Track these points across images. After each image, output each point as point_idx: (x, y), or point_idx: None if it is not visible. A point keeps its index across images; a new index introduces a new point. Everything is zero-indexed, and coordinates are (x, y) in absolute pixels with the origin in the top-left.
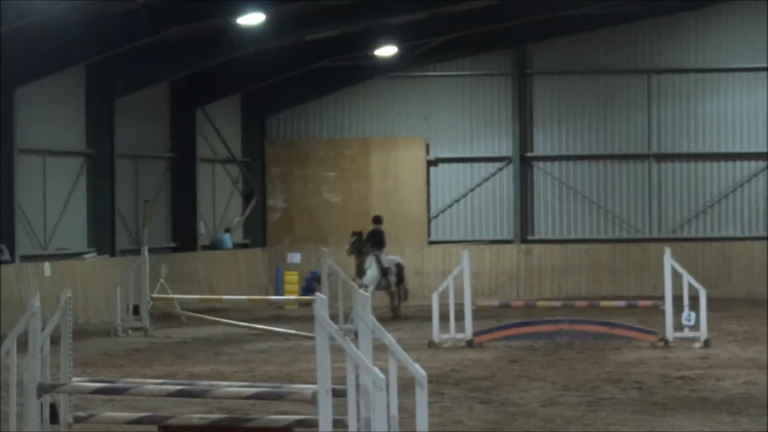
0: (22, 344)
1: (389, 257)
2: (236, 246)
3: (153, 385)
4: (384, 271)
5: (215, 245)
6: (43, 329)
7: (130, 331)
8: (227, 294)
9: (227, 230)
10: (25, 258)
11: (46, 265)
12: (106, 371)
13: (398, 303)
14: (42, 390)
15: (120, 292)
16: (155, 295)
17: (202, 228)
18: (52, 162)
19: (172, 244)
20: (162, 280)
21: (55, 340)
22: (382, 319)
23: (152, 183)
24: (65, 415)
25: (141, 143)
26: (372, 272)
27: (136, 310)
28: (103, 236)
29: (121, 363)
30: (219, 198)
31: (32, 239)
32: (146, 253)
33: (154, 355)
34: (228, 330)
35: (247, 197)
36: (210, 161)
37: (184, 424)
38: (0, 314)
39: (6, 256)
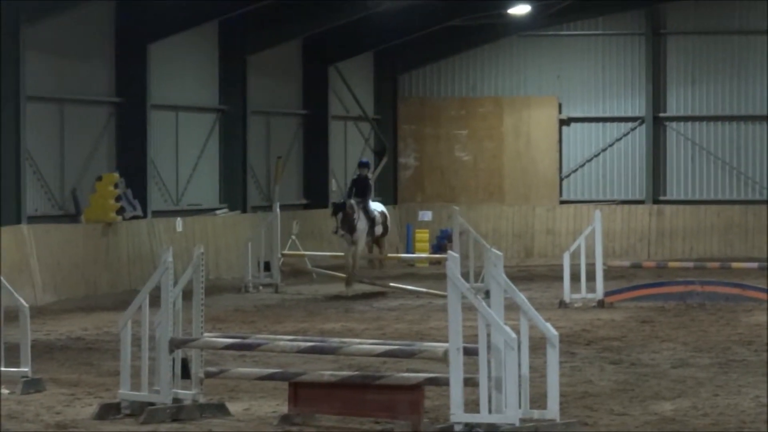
0: (155, 299)
1: (374, 205)
2: None
3: (284, 341)
4: (371, 222)
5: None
6: (175, 284)
7: (260, 288)
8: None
9: None
10: (157, 213)
11: (178, 220)
12: (237, 327)
13: (381, 255)
14: (174, 345)
15: (251, 248)
16: (286, 251)
17: (333, 185)
18: (185, 118)
19: (304, 201)
20: (293, 237)
21: (186, 296)
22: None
23: (284, 140)
24: (196, 370)
25: (273, 100)
26: (362, 225)
27: (267, 267)
28: (234, 192)
29: (251, 319)
30: (350, 155)
31: (164, 195)
32: (278, 209)
33: (285, 312)
34: (358, 287)
35: (378, 155)
36: (342, 118)
37: (314, 380)
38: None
39: (138, 212)
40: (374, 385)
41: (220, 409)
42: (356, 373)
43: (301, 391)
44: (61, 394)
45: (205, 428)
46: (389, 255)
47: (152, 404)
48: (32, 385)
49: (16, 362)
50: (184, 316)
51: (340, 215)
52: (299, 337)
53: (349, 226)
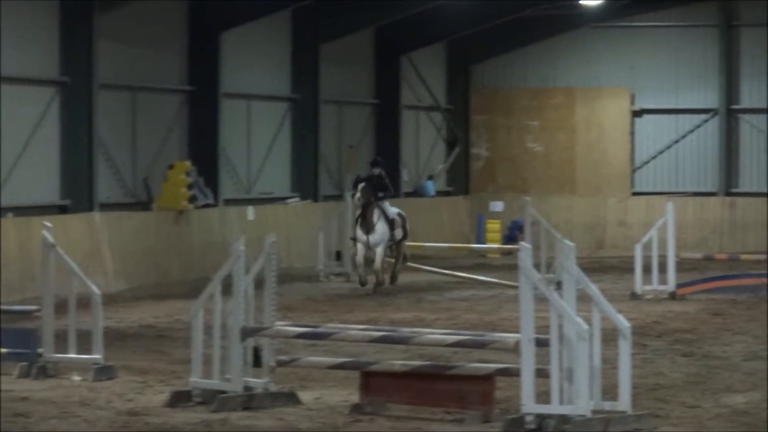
0: (226, 288)
1: (392, 208)
2: (439, 193)
3: (355, 330)
4: (391, 224)
5: (418, 192)
6: (246, 273)
7: (332, 277)
8: (429, 242)
9: (430, 177)
10: (229, 202)
11: (250, 209)
12: (308, 316)
13: (400, 264)
14: (245, 333)
15: (322, 237)
16: None
17: (405, 175)
18: (257, 106)
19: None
20: None
21: (258, 284)
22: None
23: (356, 129)
24: (268, 358)
25: (345, 89)
26: (381, 227)
27: (339, 256)
28: (306, 181)
29: (323, 308)
30: (422, 145)
31: (236, 183)
32: (349, 198)
33: (356, 301)
34: (430, 277)
35: (450, 145)
36: (414, 108)
37: (386, 370)
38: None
39: (210, 200)
40: (445, 375)
41: (291, 398)
42: (427, 363)
43: (372, 381)
44: (133, 382)
45: (276, 417)
46: (458, 245)
47: (223, 392)
48: (104, 372)
49: (88, 349)
50: (255, 304)
51: (362, 185)
52: (370, 327)
53: (367, 226)
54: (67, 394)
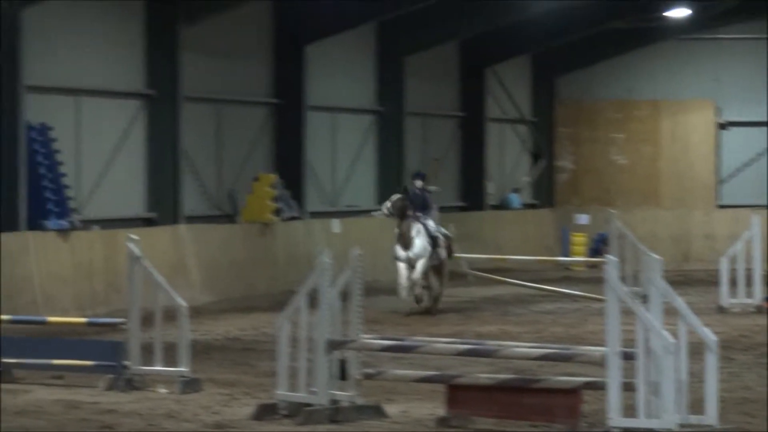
0: (312, 301)
1: (437, 227)
2: (524, 206)
3: (441, 344)
4: (433, 241)
5: (503, 205)
6: (332, 286)
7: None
8: (514, 254)
9: (515, 190)
10: (314, 214)
11: (335, 221)
12: (393, 329)
13: (440, 289)
14: (331, 346)
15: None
16: None
17: (490, 188)
18: (342, 119)
19: (460, 204)
20: None
21: (343, 297)
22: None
23: (441, 142)
24: (354, 371)
25: (430, 102)
26: (421, 242)
27: None
28: (391, 194)
29: (408, 321)
30: (507, 158)
31: (321, 196)
32: (435, 211)
33: (441, 314)
34: (515, 290)
35: (535, 157)
36: (499, 121)
37: (471, 383)
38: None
39: (295, 212)
40: (531, 388)
41: (377, 411)
42: (513, 376)
43: (458, 394)
44: (219, 394)
45: (361, 430)
46: (544, 258)
47: (309, 405)
48: (190, 384)
49: (174, 362)
50: (341, 317)
51: (395, 197)
52: (456, 340)
53: (404, 241)
54: (153, 407)
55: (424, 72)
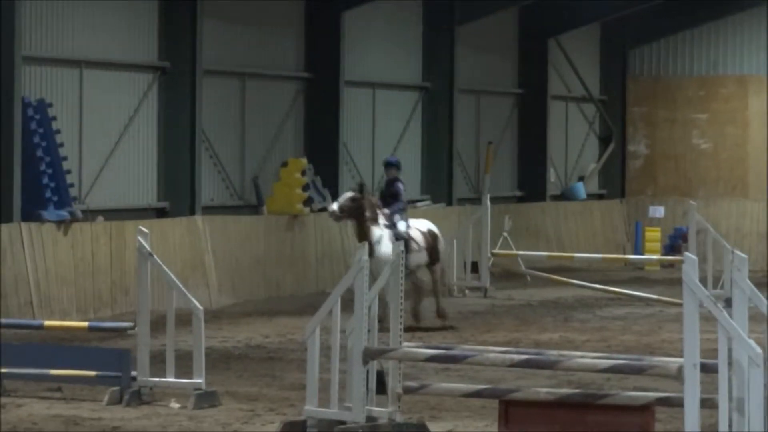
0: (347, 303)
1: (412, 221)
2: (590, 197)
3: (494, 353)
4: (404, 244)
5: (566, 195)
6: (370, 287)
7: (467, 291)
8: (579, 251)
9: (581, 178)
10: None
11: None
12: (440, 336)
13: (437, 298)
14: (368, 356)
15: (457, 246)
16: (497, 250)
17: (552, 175)
18: (383, 96)
19: (518, 193)
20: (505, 234)
21: (382, 300)
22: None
23: (496, 122)
24: (393, 384)
25: (484, 77)
26: (383, 248)
27: (475, 268)
28: (438, 182)
29: (457, 327)
30: (572, 141)
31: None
32: (488, 202)
33: (495, 319)
34: (579, 293)
35: (604, 141)
36: (563, 99)
37: (529, 398)
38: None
39: (328, 202)
40: (598, 404)
41: (420, 430)
42: (577, 390)
43: (513, 411)
44: (239, 410)
45: None
46: (612, 256)
47: (342, 423)
48: (206, 398)
49: (188, 372)
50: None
51: (349, 195)
52: (511, 349)
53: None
54: (164, 423)
55: (478, 43)
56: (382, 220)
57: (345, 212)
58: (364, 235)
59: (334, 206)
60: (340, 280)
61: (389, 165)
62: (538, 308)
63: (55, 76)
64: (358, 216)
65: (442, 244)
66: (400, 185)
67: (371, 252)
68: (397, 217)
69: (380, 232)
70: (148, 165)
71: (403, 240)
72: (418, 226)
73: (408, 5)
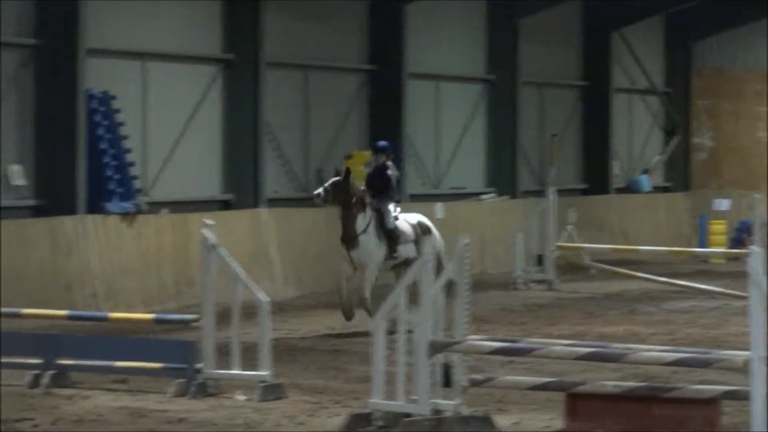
0: (412, 296)
1: (405, 215)
2: (655, 189)
3: (559, 346)
4: (390, 238)
5: (631, 188)
6: (435, 279)
7: (531, 284)
8: (643, 244)
9: (645, 171)
10: (414, 197)
11: (438, 206)
12: (505, 329)
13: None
14: (434, 349)
15: (521, 239)
16: (561, 243)
17: (616, 168)
18: (447, 88)
19: (582, 186)
20: (569, 227)
21: (448, 292)
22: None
23: (560, 115)
24: (459, 377)
25: (547, 70)
26: (369, 241)
27: (540, 260)
28: (503, 175)
29: (521, 320)
30: (636, 134)
31: (422, 177)
32: (552, 195)
33: (560, 312)
34: (644, 286)
35: (668, 134)
36: (626, 91)
37: (595, 391)
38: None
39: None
40: (664, 397)
41: (486, 423)
42: (643, 384)
43: (579, 404)
44: (305, 402)
45: None
46: (678, 249)
47: (408, 415)
48: (272, 390)
49: (253, 365)
50: (445, 315)
51: (333, 180)
52: (576, 342)
53: (348, 234)
54: (229, 416)
55: (542, 35)
56: (368, 209)
57: (330, 197)
58: (349, 223)
59: (320, 190)
60: (405, 273)
61: (380, 150)
62: (603, 301)
63: (120, 69)
64: (344, 202)
65: (436, 240)
66: (392, 173)
67: (354, 242)
68: (385, 207)
69: (366, 221)
70: (212, 157)
71: (391, 229)
72: (407, 218)
73: None
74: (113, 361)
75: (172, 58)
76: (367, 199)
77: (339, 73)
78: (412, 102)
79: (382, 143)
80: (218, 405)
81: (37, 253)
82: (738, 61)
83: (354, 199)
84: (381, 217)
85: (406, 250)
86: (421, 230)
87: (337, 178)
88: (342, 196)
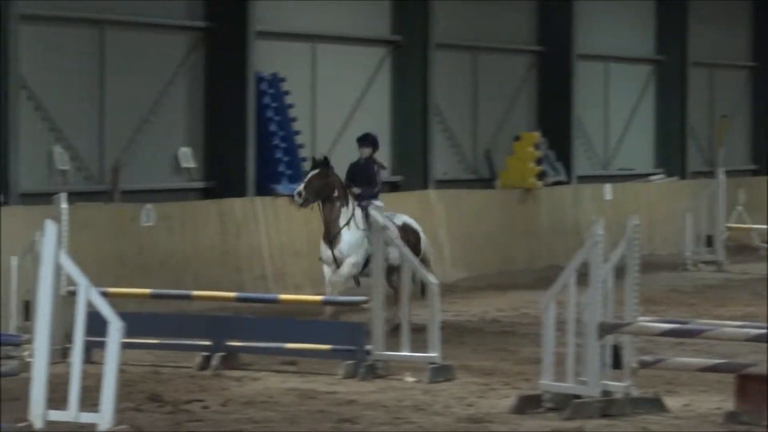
0: (582, 277)
1: (389, 214)
2: None
3: (730, 327)
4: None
5: None
6: (605, 261)
7: (701, 265)
8: None
9: None
10: (583, 179)
11: (607, 187)
12: (674, 310)
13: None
14: (604, 330)
15: (690, 220)
16: (731, 224)
17: None
18: (616, 69)
19: (752, 167)
20: (739, 207)
21: (618, 274)
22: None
23: (730, 95)
24: (629, 359)
25: (718, 50)
26: (351, 236)
27: (709, 241)
28: (672, 155)
29: (691, 301)
30: None
31: (591, 158)
32: (722, 175)
33: (729, 293)
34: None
35: None
36: None
37: (765, 373)
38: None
39: (561, 176)
40: None
41: (656, 404)
42: None
43: (750, 386)
44: (474, 384)
45: (638, 426)
46: None
47: (578, 397)
48: (441, 372)
49: (423, 347)
50: (615, 297)
51: (312, 174)
52: (747, 323)
53: (329, 236)
54: (399, 397)
55: (711, 15)
56: (351, 201)
57: (312, 193)
58: (332, 216)
59: (300, 187)
60: (574, 253)
61: (364, 141)
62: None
63: (289, 51)
64: (327, 195)
65: (424, 243)
66: (376, 168)
67: (337, 238)
68: (368, 203)
69: (349, 216)
70: (380, 139)
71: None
72: (392, 219)
73: None
74: (282, 342)
75: (341, 40)
76: (351, 191)
77: (508, 55)
78: (581, 83)
79: (370, 136)
80: (387, 387)
81: (206, 235)
82: None
83: (336, 192)
84: (366, 215)
85: (391, 256)
86: (404, 232)
87: (315, 171)
88: (324, 190)
